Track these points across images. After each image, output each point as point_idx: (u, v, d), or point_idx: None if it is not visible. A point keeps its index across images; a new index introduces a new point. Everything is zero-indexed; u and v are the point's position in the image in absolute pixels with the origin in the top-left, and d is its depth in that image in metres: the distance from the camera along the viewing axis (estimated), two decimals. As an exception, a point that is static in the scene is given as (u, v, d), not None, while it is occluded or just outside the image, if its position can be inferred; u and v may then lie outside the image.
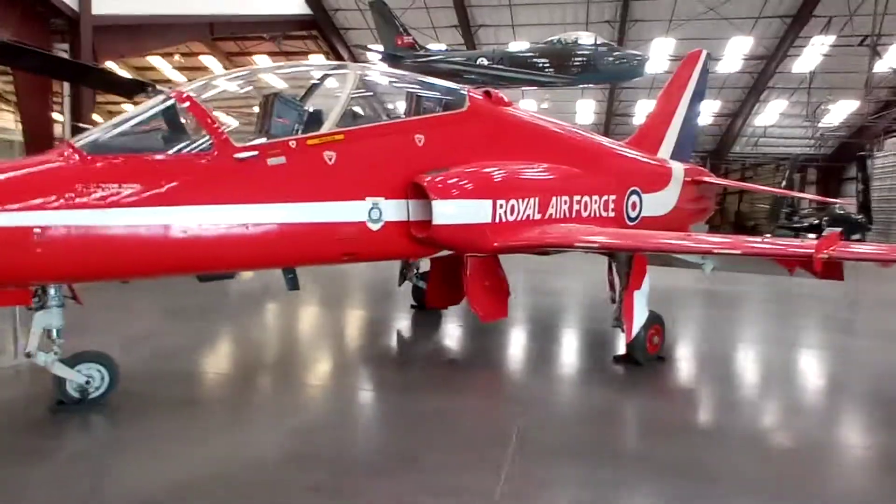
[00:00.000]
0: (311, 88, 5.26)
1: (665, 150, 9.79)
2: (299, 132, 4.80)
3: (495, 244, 5.83)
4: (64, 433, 3.98)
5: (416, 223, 5.36)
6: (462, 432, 4.22)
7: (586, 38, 23.65)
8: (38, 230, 3.50)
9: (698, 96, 10.36)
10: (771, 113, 34.17)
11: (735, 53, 29.26)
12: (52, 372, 4.12)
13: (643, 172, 8.71)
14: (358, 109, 5.51)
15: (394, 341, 7.19)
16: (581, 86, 27.56)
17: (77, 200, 3.65)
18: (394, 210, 5.24)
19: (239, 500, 3.17)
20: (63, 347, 4.16)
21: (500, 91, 6.73)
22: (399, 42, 25.10)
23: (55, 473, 3.43)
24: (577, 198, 7.06)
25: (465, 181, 5.54)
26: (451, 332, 7.45)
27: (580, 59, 24.06)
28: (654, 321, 6.25)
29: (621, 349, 6.28)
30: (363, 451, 3.93)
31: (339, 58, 34.35)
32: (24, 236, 3.45)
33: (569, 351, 7.13)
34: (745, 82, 31.60)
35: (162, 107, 4.31)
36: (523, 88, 29.87)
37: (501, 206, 5.85)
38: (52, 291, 4.07)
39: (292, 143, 4.66)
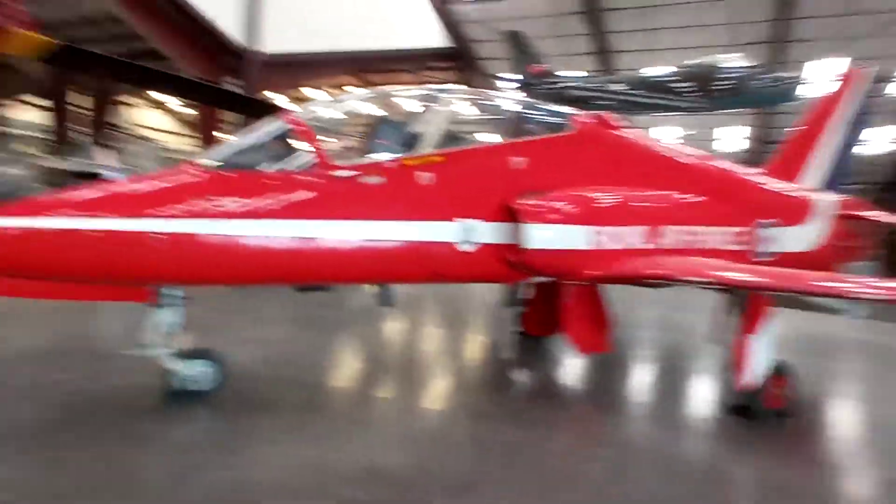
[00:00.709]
0: (415, 111, 5.47)
1: (810, 179, 8.71)
2: (398, 153, 5.00)
3: (593, 272, 5.56)
4: (171, 421, 4.43)
5: (510, 247, 5.29)
6: (530, 469, 4.01)
7: (731, 61, 22.06)
8: (154, 236, 3.98)
9: (859, 120, 9.12)
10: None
11: (919, 73, 25.46)
12: (166, 365, 4.62)
13: (779, 203, 7.82)
14: (458, 132, 5.61)
15: (488, 366, 7.10)
16: (725, 112, 25.64)
17: (189, 211, 4.09)
18: (487, 233, 5.22)
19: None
20: (179, 343, 4.66)
21: (628, 116, 6.48)
22: (532, 70, 25.31)
23: (160, 456, 3.82)
24: (694, 228, 6.53)
25: (561, 206, 5.38)
26: (549, 362, 7.18)
27: (723, 82, 22.49)
28: (781, 372, 5.52)
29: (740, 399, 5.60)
30: (422, 472, 3.88)
31: (478, 87, 35.45)
32: (143, 241, 3.93)
33: (675, 392, 6.54)
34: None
35: (274, 128, 4.74)
36: (664, 115, 28.58)
37: (601, 233, 5.58)
38: (171, 292, 4.59)
39: (390, 164, 4.86)
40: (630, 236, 5.86)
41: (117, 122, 30.56)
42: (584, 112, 6.38)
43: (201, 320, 5.34)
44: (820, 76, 26.94)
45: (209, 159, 4.53)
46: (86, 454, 3.71)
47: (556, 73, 25.32)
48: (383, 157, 4.93)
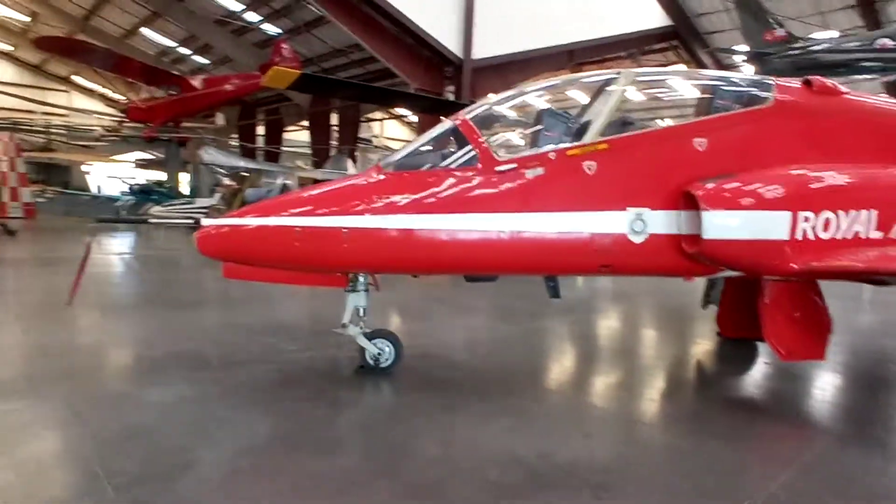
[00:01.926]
0: (580, 100, 5.39)
1: None
2: (561, 144, 5.01)
3: (796, 266, 4.81)
4: (363, 388, 5.16)
5: (688, 237, 4.89)
6: (688, 482, 3.72)
7: None
8: (345, 230, 4.67)
9: None
10: None
11: None
12: (357, 342, 5.36)
13: None
14: (628, 117, 5.35)
15: (675, 370, 6.59)
16: None
17: (372, 208, 4.70)
18: (661, 222, 4.92)
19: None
20: (367, 324, 5.37)
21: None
22: (769, 38, 22.11)
23: (352, 418, 4.54)
24: (956, 212, 5.19)
25: (751, 189, 4.78)
26: (747, 368, 6.36)
27: None
28: None
29: None
30: (578, 466, 3.88)
31: (701, 65, 32.28)
32: (336, 235, 4.64)
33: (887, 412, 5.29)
34: None
35: (445, 129, 5.14)
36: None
37: (807, 220, 4.80)
38: (360, 278, 5.31)
39: (552, 155, 4.90)
40: (854, 223, 4.94)
41: (367, 136, 35.42)
42: (790, 79, 5.53)
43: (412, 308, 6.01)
44: None
45: (389, 162, 5.12)
46: (300, 408, 4.58)
47: (800, 37, 21.70)
48: (545, 148, 4.98)
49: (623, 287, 11.63)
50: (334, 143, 29.39)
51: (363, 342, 5.37)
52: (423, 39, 18.75)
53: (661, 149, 5.03)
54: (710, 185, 4.78)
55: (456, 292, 9.93)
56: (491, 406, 4.80)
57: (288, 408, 4.57)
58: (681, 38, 29.85)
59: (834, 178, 5.02)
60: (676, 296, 10.44)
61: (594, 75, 5.47)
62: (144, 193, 25.35)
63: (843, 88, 5.55)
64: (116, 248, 17.39)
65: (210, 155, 20.36)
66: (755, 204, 4.75)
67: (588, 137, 4.98)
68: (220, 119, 30.70)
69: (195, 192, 25.74)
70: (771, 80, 5.41)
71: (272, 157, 32.05)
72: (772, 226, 4.76)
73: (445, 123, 5.21)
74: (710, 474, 3.79)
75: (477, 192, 4.80)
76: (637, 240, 4.92)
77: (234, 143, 31.56)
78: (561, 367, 6.38)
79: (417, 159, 5.07)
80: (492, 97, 5.40)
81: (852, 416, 5.20)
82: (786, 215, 4.77)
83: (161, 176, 32.61)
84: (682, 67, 33.66)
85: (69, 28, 32.79)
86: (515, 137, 5.35)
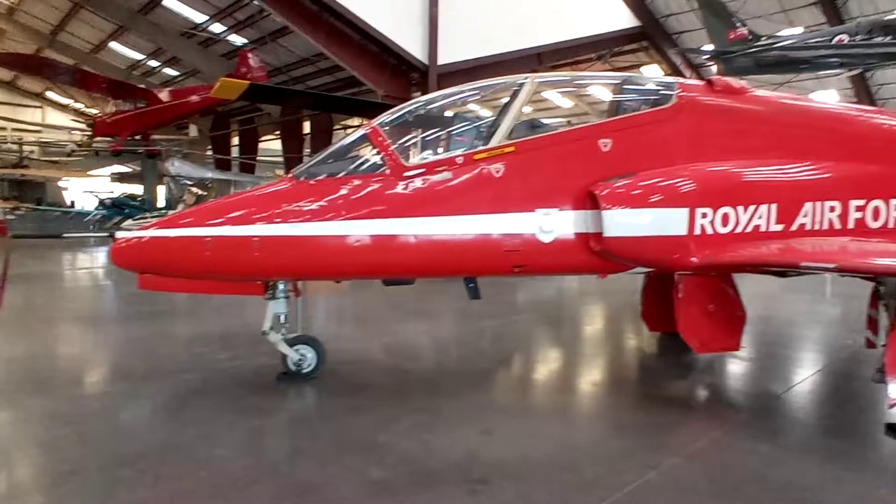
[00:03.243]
0: (487, 104, 5.51)
1: None
2: (468, 148, 5.12)
3: (697, 260, 4.95)
4: (277, 395, 5.22)
5: (596, 236, 5.02)
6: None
7: None
8: (256, 239, 4.74)
9: None
10: None
11: None
12: (279, 349, 5.43)
13: None
14: (534, 119, 5.48)
15: (599, 366, 6.72)
16: None
17: (282, 216, 4.78)
18: (569, 221, 5.04)
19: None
20: (288, 331, 5.44)
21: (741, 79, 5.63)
22: (732, 37, 22.47)
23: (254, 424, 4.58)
24: (855, 203, 5.38)
25: (650, 187, 4.91)
26: (671, 362, 6.48)
27: None
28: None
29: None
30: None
31: (672, 65, 32.65)
32: (247, 243, 4.71)
33: (813, 404, 5.43)
34: None
35: (357, 136, 5.24)
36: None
37: (706, 216, 4.94)
38: (279, 286, 5.39)
39: (459, 159, 5.01)
40: (754, 217, 5.08)
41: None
42: (693, 79, 5.69)
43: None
44: None
45: (300, 171, 5.22)
46: (206, 415, 4.65)
47: (760, 35, 22.06)
48: (453, 153, 5.10)
49: (583, 287, 11.76)
50: (308, 151, 29.48)
51: (284, 349, 5.44)
52: (387, 46, 18.88)
53: (567, 150, 5.15)
54: (610, 185, 4.91)
55: (411, 296, 10.01)
56: (402, 407, 4.88)
57: (193, 416, 4.63)
58: (650, 38, 30.20)
59: (733, 174, 5.18)
60: (631, 294, 10.61)
61: (502, 80, 5.59)
62: (117, 207, 25.26)
63: (747, 87, 5.72)
64: (73, 262, 17.37)
65: (176, 166, 20.37)
66: (653, 201, 4.89)
67: (495, 141, 5.09)
68: (192, 130, 30.70)
69: (170, 205, 25.71)
70: (674, 80, 5.57)
71: (248, 167, 32.08)
72: (670, 222, 4.89)
73: (357, 131, 5.32)
74: (594, 465, 3.89)
75: (385, 197, 4.89)
76: (547, 240, 5.03)
77: (210, 153, 31.61)
78: (488, 366, 6.43)
79: (328, 167, 5.15)
80: (406, 103, 5.50)
81: (756, 406, 5.33)
82: (684, 212, 4.91)
83: (139, 189, 32.51)
84: (654, 68, 34.09)
85: (37, 44, 32.70)
86: (425, 143, 5.46)
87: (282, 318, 5.41)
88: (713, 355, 6.32)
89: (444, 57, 20.88)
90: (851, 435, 4.60)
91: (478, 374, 6.00)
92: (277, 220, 4.78)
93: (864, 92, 29.01)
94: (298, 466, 3.80)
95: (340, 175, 5.01)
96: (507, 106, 5.26)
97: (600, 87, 5.65)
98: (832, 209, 5.30)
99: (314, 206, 4.81)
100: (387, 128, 5.18)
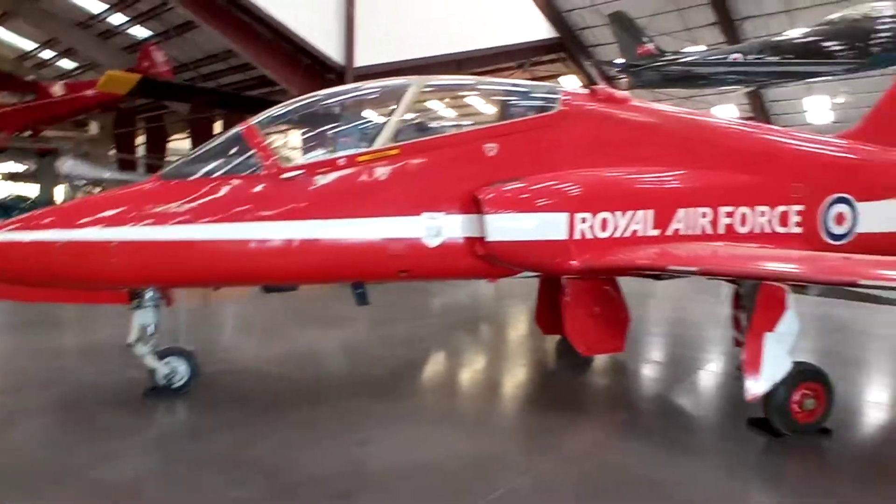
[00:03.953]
0: (372, 106, 5.39)
1: (919, 142, 7.05)
2: (351, 149, 4.97)
3: (577, 264, 5.04)
4: (136, 412, 4.81)
5: (482, 240, 4.99)
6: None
7: (882, 9, 18.62)
8: (114, 243, 4.37)
9: None
10: None
11: None
12: (146, 363, 5.04)
13: (859, 172, 6.46)
14: (419, 122, 5.41)
15: (495, 372, 6.75)
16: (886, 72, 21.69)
17: (144, 218, 4.43)
18: (455, 226, 4.97)
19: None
20: (157, 342, 5.04)
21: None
22: (640, 52, 23.64)
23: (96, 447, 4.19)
24: (725, 209, 5.66)
25: (531, 192, 4.95)
26: (569, 365, 6.60)
27: (882, 36, 19.06)
28: (807, 378, 4.56)
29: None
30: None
31: (588, 76, 33.92)
32: (103, 248, 4.33)
33: (693, 402, 5.69)
34: None
35: (231, 135, 4.96)
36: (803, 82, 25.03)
37: (585, 221, 5.04)
38: (145, 294, 5.00)
39: (341, 161, 4.84)
40: (631, 223, 5.24)
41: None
42: (580, 88, 5.83)
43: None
44: None
45: (169, 171, 4.88)
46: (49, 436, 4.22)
47: (666, 50, 23.36)
48: (335, 154, 4.93)
49: (500, 291, 11.77)
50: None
51: (152, 362, 5.05)
52: (300, 46, 18.38)
53: (452, 154, 5.10)
54: (493, 189, 4.91)
55: (319, 302, 9.69)
56: (278, 419, 4.66)
57: (33, 438, 4.20)
58: (567, 50, 31.25)
59: (612, 180, 5.32)
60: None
61: (388, 81, 5.50)
62: (4, 209, 23.09)
63: (629, 97, 5.92)
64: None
65: (69, 166, 18.86)
66: (534, 206, 4.94)
67: (379, 143, 4.97)
68: (93, 128, 28.61)
69: (66, 206, 23.77)
70: (559, 88, 5.67)
71: (155, 168, 30.25)
72: (550, 227, 4.95)
73: (232, 129, 5.04)
74: (467, 472, 3.85)
75: (259, 199, 4.64)
76: (433, 244, 4.95)
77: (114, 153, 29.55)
78: (380, 374, 6.27)
79: (199, 167, 4.82)
80: (286, 102, 5.28)
81: (641, 406, 5.51)
82: (563, 216, 4.99)
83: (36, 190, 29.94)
84: (572, 78, 35.29)
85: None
86: (305, 143, 5.26)
87: (149, 330, 5.01)
88: (610, 357, 6.49)
89: (363, 59, 20.62)
90: (721, 431, 4.82)
91: (368, 381, 5.84)
92: (138, 222, 4.43)
93: (759, 107, 31.36)
94: (143, 493, 3.49)
95: (211, 175, 4.72)
96: (391, 108, 5.16)
97: (486, 92, 5.68)
98: (704, 215, 5.56)
99: (180, 207, 4.49)
100: (264, 127, 4.94)
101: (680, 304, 10.16)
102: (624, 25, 23.93)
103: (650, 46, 23.34)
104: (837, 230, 6.19)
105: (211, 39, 21.42)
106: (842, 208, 6.19)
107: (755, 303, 4.52)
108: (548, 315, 6.70)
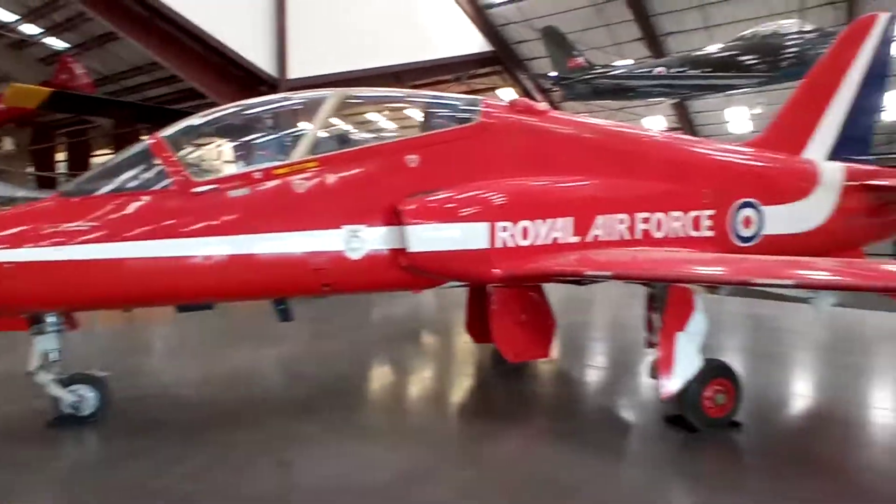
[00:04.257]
0: (289, 118, 5.31)
1: (817, 150, 7.57)
2: (268, 162, 4.86)
3: (500, 272, 5.09)
4: (31, 444, 4.47)
5: (405, 252, 4.96)
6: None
7: (789, 27, 20.04)
8: (7, 265, 4.08)
9: (877, 77, 7.84)
10: None
11: None
12: (49, 391, 4.72)
13: (763, 178, 6.86)
14: (339, 134, 5.37)
15: (423, 384, 6.73)
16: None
17: (42, 237, 4.17)
18: (378, 238, 4.93)
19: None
20: (60, 369, 4.72)
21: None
22: (571, 65, 24.42)
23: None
24: (642, 215, 5.87)
25: (451, 203, 4.99)
26: (499, 373, 6.66)
27: (790, 51, 20.47)
28: (717, 374, 4.76)
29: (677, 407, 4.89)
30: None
31: (524, 88, 34.73)
32: None
33: (613, 403, 5.85)
34: None
35: (139, 149, 4.75)
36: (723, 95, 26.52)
37: (506, 230, 5.11)
38: (47, 319, 4.69)
39: (257, 174, 4.72)
40: (552, 231, 5.34)
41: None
42: (501, 99, 5.94)
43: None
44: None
45: (70, 188, 4.62)
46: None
47: (596, 64, 24.23)
48: (250, 167, 4.80)
49: (441, 301, 11.73)
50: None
51: (56, 391, 4.73)
52: (230, 58, 17.95)
53: (373, 166, 5.07)
54: (413, 201, 4.91)
55: (250, 320, 9.38)
56: (193, 445, 4.45)
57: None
58: (503, 63, 31.91)
59: (532, 190, 5.43)
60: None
61: (306, 93, 5.43)
62: None
63: (548, 108, 6.07)
64: None
65: (-26, 184, 17.61)
66: (455, 217, 4.97)
67: (297, 155, 4.88)
68: (7, 143, 26.83)
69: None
70: (479, 100, 5.75)
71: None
72: (471, 236, 4.99)
73: (140, 143, 4.83)
74: (386, 487, 3.79)
75: (169, 215, 4.46)
76: (355, 256, 4.89)
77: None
78: (306, 392, 6.09)
79: (103, 183, 4.59)
80: (198, 114, 5.11)
81: (568, 410, 5.60)
82: (484, 226, 5.04)
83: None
84: (509, 91, 35.99)
85: None
86: (218, 157, 5.11)
87: (52, 356, 4.70)
88: (544, 363, 6.57)
89: (298, 71, 20.35)
90: (642, 430, 4.95)
91: (294, 400, 5.68)
92: (35, 242, 4.16)
93: (684, 118, 32.97)
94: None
95: (116, 191, 4.49)
96: (310, 119, 5.09)
97: (408, 104, 5.70)
98: (621, 221, 5.75)
99: (81, 226, 4.26)
100: (174, 140, 4.77)
101: (614, 309, 10.45)
102: (555, 40, 24.68)
103: (580, 60, 24.15)
104: (745, 233, 6.53)
105: (134, 51, 20.61)
106: (749, 212, 6.55)
107: (666, 304, 4.70)
108: (478, 324, 6.73)
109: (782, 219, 6.76)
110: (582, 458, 4.27)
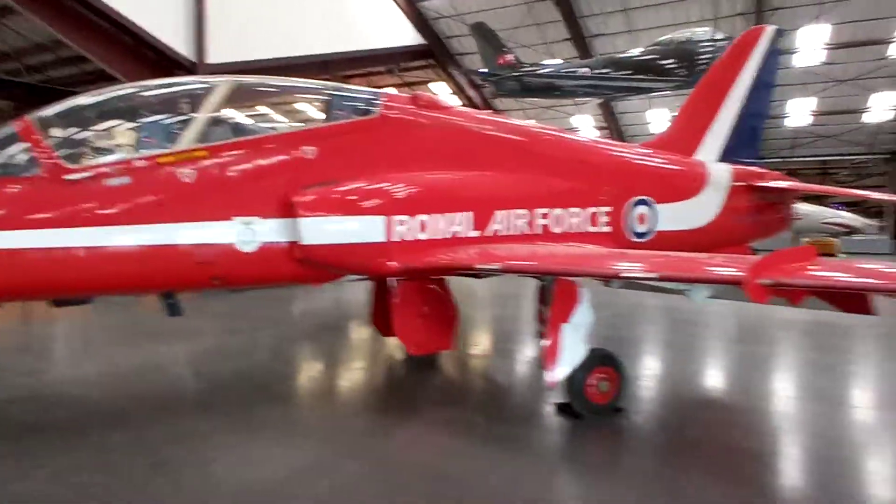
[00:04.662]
0: (176, 104, 5.10)
1: (708, 152, 8.06)
2: (152, 149, 4.65)
3: (396, 265, 5.12)
4: None
5: (300, 244, 4.87)
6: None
7: (702, 34, 21.21)
8: None
9: (764, 85, 8.42)
10: (976, 101, 27.46)
11: (913, 33, 24.08)
12: None
13: (657, 177, 7.24)
14: (230, 123, 5.21)
15: (329, 378, 6.69)
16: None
17: None
18: (272, 230, 4.82)
19: None
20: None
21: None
22: (500, 61, 24.77)
23: None
24: (541, 211, 6.04)
25: (347, 195, 4.96)
26: (400, 369, 6.73)
27: (704, 56, 21.63)
28: (601, 362, 5.00)
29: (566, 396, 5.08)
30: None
31: (457, 83, 34.93)
32: None
33: (510, 394, 6.03)
34: (932, 66, 25.80)
35: (5, 133, 4.42)
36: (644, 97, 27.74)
37: (402, 223, 5.14)
38: None
39: (140, 163, 4.51)
40: (450, 225, 5.41)
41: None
42: (402, 94, 5.95)
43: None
44: (810, 45, 25.91)
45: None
46: None
47: (524, 62, 24.72)
48: (131, 155, 4.58)
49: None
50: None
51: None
52: (144, 39, 17.02)
53: (267, 156, 4.95)
54: (308, 192, 4.84)
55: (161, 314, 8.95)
56: (63, 447, 4.22)
57: None
58: (435, 57, 31.93)
59: (431, 183, 5.47)
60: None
61: (195, 78, 5.25)
62: None
63: (451, 105, 6.14)
64: None
65: None
66: (350, 209, 4.94)
67: (184, 143, 4.70)
68: None
69: None
70: (380, 93, 5.73)
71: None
72: (367, 229, 4.99)
73: (6, 126, 4.50)
74: (265, 483, 3.74)
75: (37, 204, 4.18)
76: (247, 249, 4.76)
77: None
78: (197, 388, 5.91)
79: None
80: (73, 98, 4.82)
81: (464, 401, 5.71)
82: (380, 219, 5.04)
83: None
84: (442, 85, 36.06)
85: None
86: (96, 143, 4.83)
87: None
88: (451, 355, 6.65)
89: (218, 55, 19.56)
90: (533, 419, 5.11)
91: (183, 398, 5.50)
92: None
93: (610, 118, 34.23)
94: None
95: (-18, 177, 4.17)
96: (199, 106, 4.90)
97: (306, 94, 5.61)
98: (521, 217, 5.90)
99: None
100: (48, 123, 4.48)
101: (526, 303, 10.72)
102: (485, 36, 24.96)
103: (510, 57, 24.56)
104: (640, 229, 6.87)
105: (35, 27, 19.19)
106: (643, 209, 6.89)
107: (552, 296, 4.87)
108: (382, 317, 6.74)
109: (674, 216, 7.15)
110: (472, 449, 4.36)
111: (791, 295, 4.16)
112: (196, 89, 5.08)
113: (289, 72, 24.57)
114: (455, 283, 6.14)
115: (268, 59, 21.62)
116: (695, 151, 7.98)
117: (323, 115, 5.48)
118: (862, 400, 5.96)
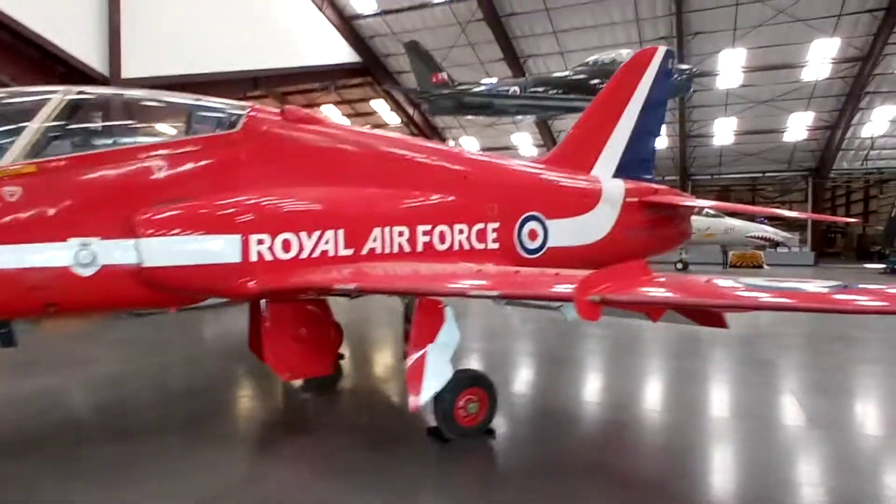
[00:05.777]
0: (3, 117, 4.70)
1: (603, 169, 8.14)
2: (-29, 166, 4.22)
3: (255, 287, 4.82)
4: None
5: (144, 267, 4.51)
6: None
7: (626, 55, 21.89)
8: None
9: (655, 104, 8.61)
10: (879, 121, 29.43)
11: (819, 58, 25.68)
12: None
13: (548, 193, 7.22)
14: (67, 137, 4.83)
15: (240, 404, 6.30)
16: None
17: None
18: (114, 251, 4.44)
19: None
20: None
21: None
22: (434, 79, 24.88)
23: None
24: (423, 228, 5.87)
25: (196, 214, 4.65)
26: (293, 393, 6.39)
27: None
28: (470, 384, 4.83)
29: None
30: None
31: (395, 102, 34.97)
32: None
33: (380, 414, 5.80)
34: (838, 89, 27.56)
35: None
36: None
37: (262, 242, 4.86)
38: None
39: (-46, 179, 4.07)
40: (320, 243, 5.16)
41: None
42: (270, 108, 5.71)
43: None
44: (729, 68, 27.25)
45: None
46: None
47: (458, 80, 24.94)
48: (-58, 171, 4.15)
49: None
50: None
51: None
52: (50, 52, 16.20)
53: (108, 172, 4.59)
54: (153, 211, 4.51)
55: (59, 343, 8.31)
56: None
57: None
58: (372, 74, 31.90)
59: (297, 200, 5.21)
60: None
61: (27, 89, 4.87)
62: None
63: (323, 118, 5.93)
64: None
65: None
66: (200, 228, 4.63)
67: (8, 159, 4.30)
68: None
69: None
70: (245, 106, 5.46)
71: None
72: (219, 250, 4.67)
73: None
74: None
75: None
76: (86, 273, 4.37)
77: None
78: (56, 421, 5.48)
79: None
80: None
81: (340, 429, 5.42)
82: (236, 238, 4.74)
83: None
84: (381, 102, 35.98)
85: None
86: None
87: None
88: (338, 377, 6.37)
89: (136, 70, 18.84)
90: (407, 444, 4.85)
91: (43, 432, 5.01)
92: None
93: (548, 136, 34.91)
94: None
95: None
96: (27, 119, 4.51)
97: (158, 106, 5.29)
98: (401, 234, 5.71)
99: None
100: None
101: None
102: (418, 54, 25.05)
103: (443, 76, 24.69)
104: (531, 245, 6.81)
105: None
106: (534, 225, 6.83)
107: (418, 314, 4.68)
108: (258, 341, 6.39)
109: (566, 232, 7.13)
110: (333, 477, 4.10)
111: (648, 311, 4.10)
112: (25, 100, 4.70)
113: (216, 87, 23.96)
114: (377, 300, 5.88)
115: (191, 74, 20.99)
116: (591, 168, 8.04)
117: (180, 129, 5.16)
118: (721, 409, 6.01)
